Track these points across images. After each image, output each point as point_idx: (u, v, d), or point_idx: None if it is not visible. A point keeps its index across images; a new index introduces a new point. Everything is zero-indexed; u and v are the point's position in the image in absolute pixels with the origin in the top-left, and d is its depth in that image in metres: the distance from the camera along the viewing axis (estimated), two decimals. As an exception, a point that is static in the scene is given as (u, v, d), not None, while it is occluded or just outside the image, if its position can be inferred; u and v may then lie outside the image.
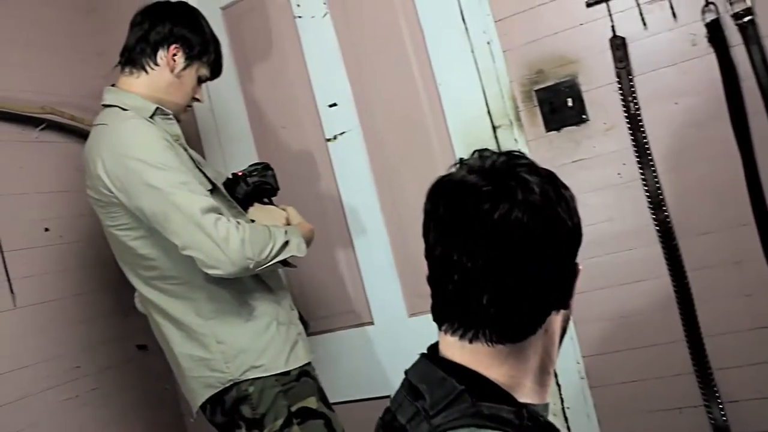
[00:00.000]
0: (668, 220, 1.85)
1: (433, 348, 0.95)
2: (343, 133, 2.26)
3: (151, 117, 1.75)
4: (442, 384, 0.87)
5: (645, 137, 1.87)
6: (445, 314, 0.91)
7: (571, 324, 1.94)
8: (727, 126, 1.78)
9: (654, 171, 1.86)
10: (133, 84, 1.81)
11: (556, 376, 1.99)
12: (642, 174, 1.87)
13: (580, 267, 0.92)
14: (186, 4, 1.94)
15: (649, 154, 1.86)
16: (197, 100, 1.92)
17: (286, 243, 1.72)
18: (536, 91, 1.98)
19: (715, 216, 1.81)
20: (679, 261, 1.84)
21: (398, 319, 2.22)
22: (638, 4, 1.86)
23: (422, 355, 0.95)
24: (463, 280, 0.85)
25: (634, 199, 1.88)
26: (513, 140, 2.01)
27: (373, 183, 2.23)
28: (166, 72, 1.81)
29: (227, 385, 1.74)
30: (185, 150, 1.79)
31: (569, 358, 1.97)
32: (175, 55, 1.81)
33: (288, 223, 1.88)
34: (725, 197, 1.80)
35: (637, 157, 1.88)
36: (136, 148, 1.64)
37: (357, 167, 2.24)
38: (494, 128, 2.03)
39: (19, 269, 2.11)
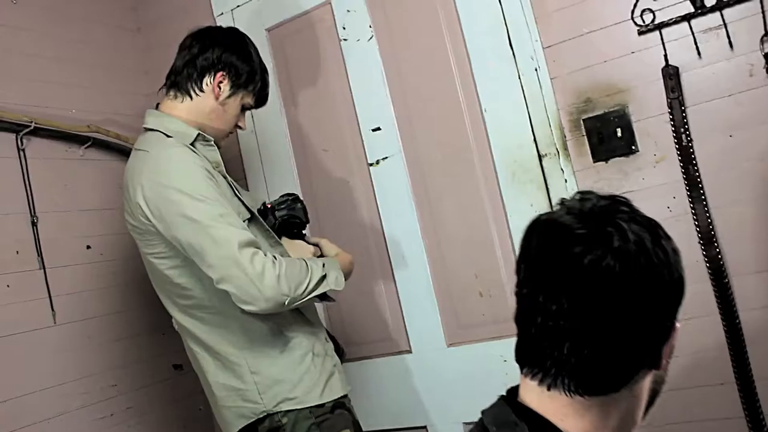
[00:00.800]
0: (720, 256, 1.78)
1: (513, 391, 0.92)
2: (385, 158, 2.23)
3: (193, 143, 1.74)
4: (512, 429, 0.85)
5: (697, 170, 1.81)
6: (526, 357, 0.89)
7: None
8: (784, 161, 1.72)
9: (705, 205, 1.79)
10: (176, 108, 1.80)
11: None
12: (693, 208, 1.81)
13: (679, 325, 0.87)
14: (237, 31, 1.93)
15: (701, 188, 1.80)
16: (240, 127, 1.91)
17: (324, 277, 1.68)
18: (584, 120, 1.94)
19: (771, 255, 1.74)
20: (731, 300, 1.77)
21: (437, 348, 2.18)
22: (693, 33, 1.80)
23: (501, 396, 0.93)
24: (546, 323, 0.82)
25: (685, 234, 1.82)
26: (559, 170, 1.96)
27: (414, 209, 2.20)
28: (210, 99, 1.80)
29: (261, 416, 1.71)
30: (224, 177, 1.77)
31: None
32: (221, 82, 1.80)
33: (321, 256, 1.84)
34: (782, 235, 1.73)
35: (688, 190, 1.81)
36: (176, 178, 1.63)
37: (399, 193, 2.22)
38: (540, 157, 1.99)
39: (60, 286, 2.13)
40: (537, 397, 0.87)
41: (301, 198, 1.93)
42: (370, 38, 2.24)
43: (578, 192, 0.90)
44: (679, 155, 1.83)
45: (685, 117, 1.82)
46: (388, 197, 2.24)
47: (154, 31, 2.68)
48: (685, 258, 1.81)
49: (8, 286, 2.00)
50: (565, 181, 1.95)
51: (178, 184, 1.62)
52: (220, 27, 1.90)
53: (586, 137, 1.94)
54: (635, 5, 1.85)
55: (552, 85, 1.97)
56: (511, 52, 2.01)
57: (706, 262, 1.79)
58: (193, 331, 1.77)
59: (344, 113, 2.31)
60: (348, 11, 2.26)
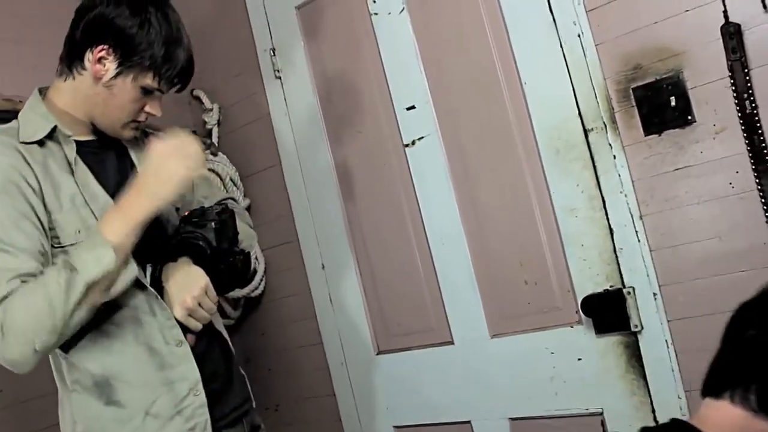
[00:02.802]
0: (791, 238, 1.58)
1: None
2: (421, 138, 2.10)
3: (49, 137, 1.39)
4: None
5: (763, 141, 1.60)
6: None
7: (670, 354, 1.73)
8: None
9: (774, 180, 1.60)
10: (60, 90, 1.45)
11: (653, 411, 1.75)
12: (759, 184, 1.61)
13: None
14: None
15: (768, 161, 1.60)
16: (151, 114, 1.48)
17: (82, 284, 1.23)
18: (634, 89, 1.75)
19: None
20: (804, 286, 1.57)
21: (480, 339, 2.04)
22: (756, -16, 1.60)
23: None
24: None
25: (749, 213, 1.62)
26: (607, 145, 1.78)
27: (453, 192, 2.06)
28: (91, 80, 1.40)
29: None
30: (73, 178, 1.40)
31: (670, 391, 1.74)
32: (103, 58, 1.38)
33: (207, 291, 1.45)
34: None
35: (753, 164, 1.61)
36: None
37: (436, 174, 2.08)
38: (586, 132, 1.82)
39: None
40: None
41: (225, 217, 1.51)
42: (402, 11, 2.10)
43: None
44: (742, 125, 1.62)
45: (748, 81, 1.61)
46: (425, 180, 2.11)
47: (185, 13, 2.59)
48: (749, 240, 1.64)
49: None
50: (614, 157, 1.78)
51: None
52: None
53: (636, 108, 1.76)
54: (689, -43, 1.66)
55: (597, 52, 1.79)
56: (552, 18, 1.84)
57: (775, 244, 1.60)
58: None
59: (377, 92, 2.19)
60: (378, -17, 2.14)
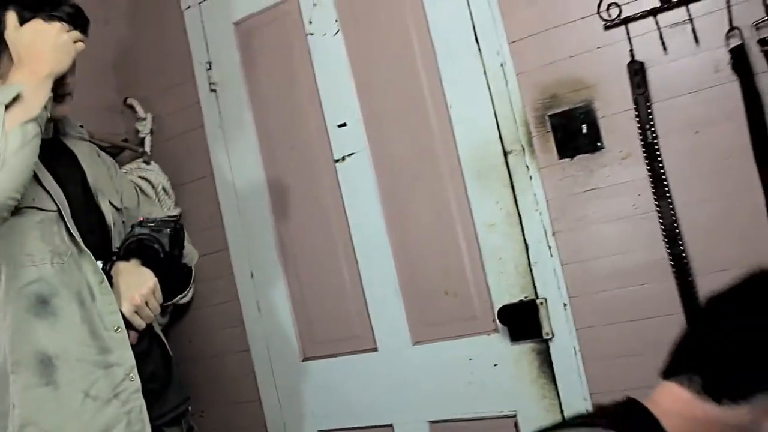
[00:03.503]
0: (684, 255, 1.76)
1: None
2: (351, 154, 2.20)
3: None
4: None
5: (662, 167, 1.78)
6: None
7: (578, 360, 1.88)
8: (749, 158, 1.69)
9: (670, 203, 1.77)
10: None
11: (562, 413, 1.90)
12: (658, 206, 1.78)
13: None
14: None
15: (666, 186, 1.77)
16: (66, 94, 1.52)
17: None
18: (550, 116, 1.91)
19: (734, 252, 1.70)
20: (695, 298, 1.74)
21: (403, 347, 2.15)
22: (659, 28, 1.78)
23: None
24: None
25: (649, 231, 1.79)
26: (524, 167, 1.93)
27: (380, 205, 2.16)
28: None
29: None
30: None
31: (577, 395, 1.88)
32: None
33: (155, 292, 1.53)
34: (745, 233, 1.70)
35: (653, 187, 1.79)
36: None
37: (365, 189, 2.18)
38: (506, 154, 1.96)
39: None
40: None
41: (179, 226, 1.65)
42: (336, 32, 2.20)
43: None
44: (644, 152, 1.80)
45: (650, 113, 1.79)
46: (353, 194, 2.21)
47: (122, 23, 2.64)
48: (649, 256, 1.81)
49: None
50: (531, 178, 1.93)
51: None
52: None
53: (551, 133, 1.91)
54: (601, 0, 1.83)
55: (518, 81, 1.94)
56: (477, 47, 1.98)
57: (671, 260, 1.77)
58: None
59: (310, 108, 2.27)
60: (314, 5, 2.23)
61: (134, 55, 1.90)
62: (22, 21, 1.41)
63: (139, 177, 2.40)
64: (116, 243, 1.58)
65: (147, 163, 2.47)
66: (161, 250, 1.54)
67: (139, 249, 1.54)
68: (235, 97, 2.39)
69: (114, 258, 1.53)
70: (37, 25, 1.40)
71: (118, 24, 2.65)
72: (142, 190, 2.12)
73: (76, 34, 1.45)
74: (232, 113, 2.40)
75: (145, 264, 1.54)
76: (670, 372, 1.01)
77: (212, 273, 2.47)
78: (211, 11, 2.43)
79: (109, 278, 1.49)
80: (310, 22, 2.24)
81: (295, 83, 2.30)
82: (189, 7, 2.47)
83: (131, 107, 2.59)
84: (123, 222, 1.67)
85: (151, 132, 2.56)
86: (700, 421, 0.95)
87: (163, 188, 2.45)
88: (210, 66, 2.43)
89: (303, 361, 2.32)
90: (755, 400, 0.93)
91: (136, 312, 1.48)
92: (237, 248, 2.42)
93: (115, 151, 2.42)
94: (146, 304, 1.49)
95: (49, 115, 1.38)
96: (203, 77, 2.45)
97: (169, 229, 1.56)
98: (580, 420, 1.03)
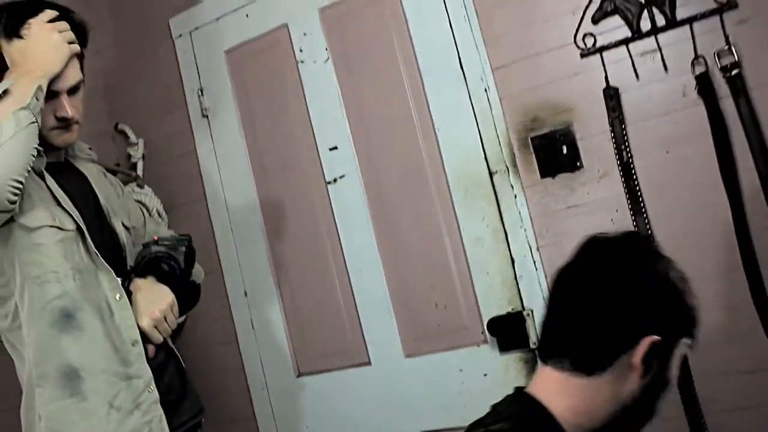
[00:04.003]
0: (660, 266, 1.88)
1: None
2: (342, 176, 2.30)
3: None
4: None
5: (637, 185, 1.91)
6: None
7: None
8: (716, 175, 1.83)
9: (646, 218, 1.90)
10: None
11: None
12: (634, 221, 1.91)
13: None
14: None
15: (641, 202, 1.91)
16: (64, 117, 1.56)
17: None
18: (532, 138, 2.04)
19: (705, 262, 1.84)
20: (671, 306, 1.87)
21: (395, 360, 2.24)
22: (631, 56, 1.92)
23: None
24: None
25: (627, 245, 1.92)
26: (509, 186, 2.05)
27: (371, 224, 2.26)
28: None
29: None
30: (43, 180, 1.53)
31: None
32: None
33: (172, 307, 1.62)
34: (714, 244, 1.84)
35: (630, 204, 1.92)
36: None
37: (356, 209, 2.28)
38: (491, 173, 2.08)
39: None
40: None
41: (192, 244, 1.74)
42: (327, 60, 2.31)
43: None
44: (620, 171, 1.93)
45: (625, 134, 1.93)
46: (345, 213, 2.30)
47: (113, 52, 2.70)
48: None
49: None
50: (515, 196, 2.05)
51: None
52: None
53: (534, 154, 2.04)
54: (578, 30, 1.96)
55: (501, 105, 2.07)
56: (462, 73, 2.11)
57: (648, 271, 1.89)
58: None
59: (302, 133, 2.37)
60: (305, 34, 2.34)
61: (126, 83, 1.96)
62: (9, 32, 1.47)
63: (134, 200, 2.46)
64: (129, 261, 1.66)
65: (141, 186, 2.53)
66: (177, 268, 1.64)
67: (157, 266, 1.63)
68: (227, 122, 2.48)
69: (132, 275, 1.61)
70: (28, 29, 1.47)
71: (109, 53, 2.71)
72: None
73: (69, 35, 1.53)
74: (224, 137, 2.48)
75: (161, 281, 1.63)
76: (543, 355, 1.13)
77: (205, 293, 2.50)
78: (202, 40, 2.52)
79: (128, 294, 1.57)
80: (301, 50, 2.35)
81: (286, 108, 2.40)
82: (180, 36, 2.56)
83: (123, 132, 2.65)
84: (132, 241, 1.74)
85: (143, 157, 2.62)
86: (581, 395, 1.06)
87: (157, 211, 2.51)
88: (202, 92, 2.51)
89: (297, 377, 2.39)
90: (618, 362, 1.04)
91: (155, 326, 1.56)
92: (230, 269, 2.49)
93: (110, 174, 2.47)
94: (164, 319, 1.57)
95: (42, 107, 1.41)
96: (195, 103, 2.53)
97: (183, 248, 1.66)
98: (483, 429, 1.13)
